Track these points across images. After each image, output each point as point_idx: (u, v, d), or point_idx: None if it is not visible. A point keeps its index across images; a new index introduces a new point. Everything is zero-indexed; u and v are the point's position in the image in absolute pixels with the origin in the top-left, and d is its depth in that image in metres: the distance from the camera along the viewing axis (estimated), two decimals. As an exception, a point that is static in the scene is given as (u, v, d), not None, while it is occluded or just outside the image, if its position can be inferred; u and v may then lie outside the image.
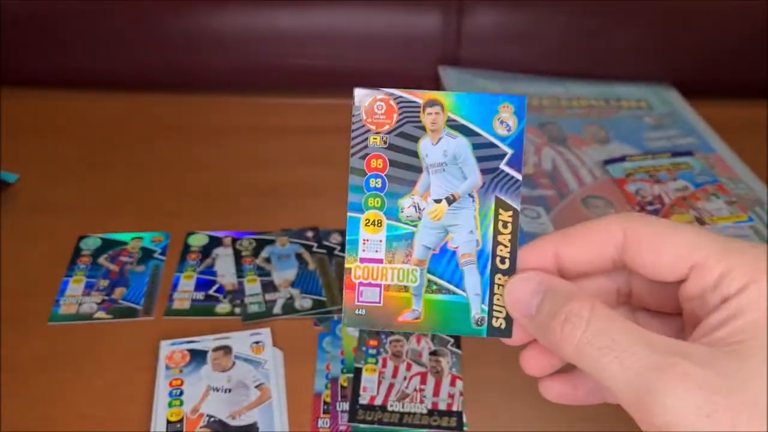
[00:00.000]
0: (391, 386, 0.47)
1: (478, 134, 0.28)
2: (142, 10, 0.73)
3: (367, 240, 0.28)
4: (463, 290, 0.28)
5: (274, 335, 0.50)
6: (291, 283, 0.55)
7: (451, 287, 0.28)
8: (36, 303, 0.53)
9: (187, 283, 0.55)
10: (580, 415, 0.46)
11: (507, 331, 0.28)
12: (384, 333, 0.51)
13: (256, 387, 0.47)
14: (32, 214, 0.61)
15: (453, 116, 0.28)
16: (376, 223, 0.28)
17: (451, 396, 0.47)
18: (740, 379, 0.22)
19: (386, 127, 0.28)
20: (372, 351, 0.49)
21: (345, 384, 0.48)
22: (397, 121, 0.28)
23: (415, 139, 0.28)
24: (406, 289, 0.28)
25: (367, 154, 0.28)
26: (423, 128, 0.28)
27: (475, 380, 0.48)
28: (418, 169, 0.28)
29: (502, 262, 0.28)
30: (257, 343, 0.50)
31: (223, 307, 0.53)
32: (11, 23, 0.73)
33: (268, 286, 0.54)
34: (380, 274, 0.28)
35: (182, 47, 0.74)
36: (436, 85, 0.73)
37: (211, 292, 0.54)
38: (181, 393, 0.46)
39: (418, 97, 0.28)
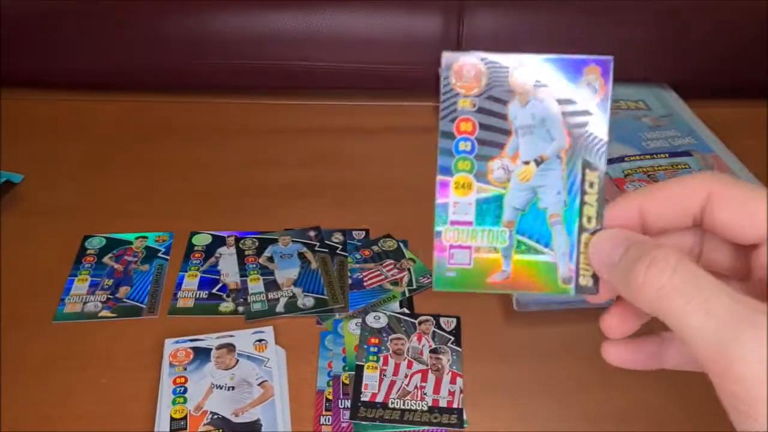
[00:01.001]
0: (392, 384, 0.48)
1: (564, 98, 0.28)
2: (142, 11, 0.73)
3: (458, 203, 0.28)
4: (552, 250, 0.29)
5: (276, 333, 0.51)
6: (293, 281, 0.55)
7: (540, 247, 0.29)
8: (41, 302, 0.53)
9: (190, 282, 0.55)
10: (581, 413, 0.47)
11: (593, 288, 0.29)
12: (386, 331, 0.51)
13: (259, 384, 0.47)
14: (37, 214, 0.61)
15: (540, 79, 0.28)
16: (465, 185, 0.28)
17: (452, 393, 0.47)
18: None
19: (475, 90, 0.28)
20: (373, 349, 0.50)
21: (347, 381, 0.48)
22: (486, 85, 0.28)
23: (504, 103, 0.28)
24: (495, 250, 0.29)
25: (456, 117, 0.28)
26: (512, 91, 0.28)
27: (476, 377, 0.48)
28: (507, 132, 0.28)
29: (589, 221, 0.28)
30: (260, 341, 0.50)
31: (227, 305, 0.54)
32: (11, 23, 0.73)
33: (271, 285, 0.55)
34: (470, 236, 0.29)
35: (185, 48, 0.74)
36: (437, 85, 0.74)
37: (214, 290, 0.55)
38: (185, 390, 0.47)
39: (507, 60, 0.28)
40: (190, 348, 0.49)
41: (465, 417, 0.46)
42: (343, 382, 0.48)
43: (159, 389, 0.47)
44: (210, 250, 0.58)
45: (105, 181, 0.65)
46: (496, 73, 0.28)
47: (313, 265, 0.57)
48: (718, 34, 0.73)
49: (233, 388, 0.47)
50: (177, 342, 0.50)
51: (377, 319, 0.52)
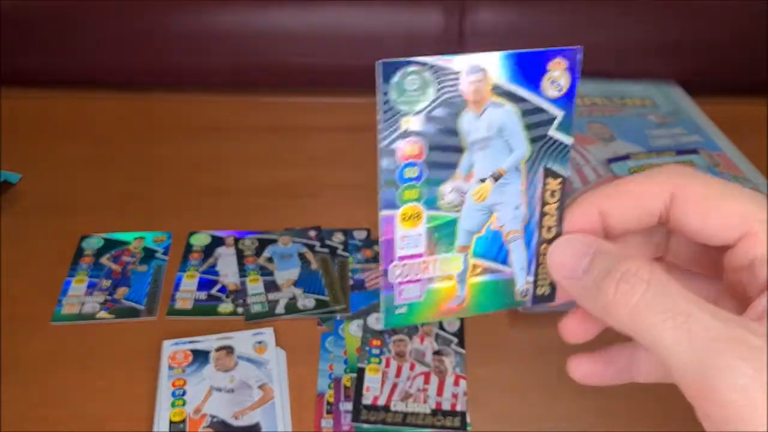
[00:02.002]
0: (394, 386, 0.47)
1: (525, 99, 0.24)
2: (142, 10, 0.73)
3: (406, 237, 0.25)
4: (509, 266, 0.27)
5: (276, 335, 0.50)
6: (294, 282, 0.54)
7: (496, 266, 0.27)
8: (38, 303, 0.53)
9: (189, 282, 0.55)
10: (584, 414, 0.46)
11: (551, 297, 0.27)
12: (388, 332, 0.50)
13: (259, 387, 0.46)
14: (35, 214, 0.61)
15: (497, 81, 0.24)
16: (414, 216, 0.25)
17: (455, 396, 0.46)
18: None
19: (421, 105, 0.24)
20: (375, 351, 0.49)
21: (348, 384, 0.47)
22: (434, 97, 0.24)
23: (455, 115, 0.24)
24: (449, 278, 0.26)
25: (398, 140, 0.24)
26: (464, 100, 0.24)
27: (479, 380, 0.48)
28: (459, 150, 0.25)
29: (549, 231, 0.26)
30: (260, 343, 0.49)
31: (226, 306, 0.53)
32: (11, 23, 0.73)
33: (271, 286, 0.54)
34: (421, 269, 0.26)
35: (183, 46, 0.74)
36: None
37: (213, 291, 0.54)
38: (184, 393, 0.46)
39: (457, 64, 0.23)
40: (189, 350, 0.49)
41: (468, 420, 0.45)
42: (344, 385, 0.47)
43: (157, 391, 0.46)
44: (209, 251, 0.58)
45: (102, 181, 0.65)
46: (444, 81, 0.23)
47: (314, 266, 0.56)
48: (726, 30, 0.72)
49: (233, 390, 0.46)
50: (176, 344, 0.49)
51: (379, 321, 0.51)
